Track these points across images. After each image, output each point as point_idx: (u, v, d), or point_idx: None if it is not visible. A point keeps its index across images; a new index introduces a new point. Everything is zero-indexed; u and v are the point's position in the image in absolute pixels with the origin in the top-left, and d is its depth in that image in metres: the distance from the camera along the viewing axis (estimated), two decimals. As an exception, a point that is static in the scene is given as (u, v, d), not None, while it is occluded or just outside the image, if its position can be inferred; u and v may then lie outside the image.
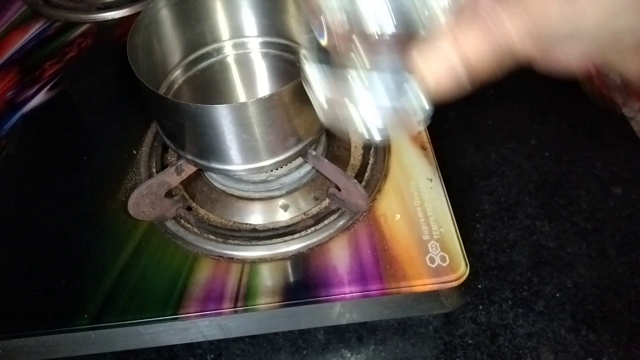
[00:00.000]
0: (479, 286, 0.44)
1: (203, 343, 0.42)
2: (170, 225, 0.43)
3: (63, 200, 0.48)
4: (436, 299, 0.41)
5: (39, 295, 0.41)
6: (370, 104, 0.27)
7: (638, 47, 0.20)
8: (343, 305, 0.40)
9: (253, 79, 0.49)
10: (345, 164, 0.47)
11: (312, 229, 0.42)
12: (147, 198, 0.41)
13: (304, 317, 0.41)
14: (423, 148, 0.48)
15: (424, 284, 0.39)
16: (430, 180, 0.45)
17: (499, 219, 0.48)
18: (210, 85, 0.47)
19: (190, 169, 0.43)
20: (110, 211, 0.45)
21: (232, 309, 0.39)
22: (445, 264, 0.40)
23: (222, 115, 0.35)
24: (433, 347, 0.41)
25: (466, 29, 0.22)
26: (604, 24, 0.19)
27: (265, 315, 0.40)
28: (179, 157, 0.44)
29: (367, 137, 0.28)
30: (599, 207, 0.48)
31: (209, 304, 0.39)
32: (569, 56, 0.22)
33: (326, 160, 0.42)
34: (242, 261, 0.42)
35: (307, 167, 0.44)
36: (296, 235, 0.42)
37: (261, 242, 0.42)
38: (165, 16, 0.42)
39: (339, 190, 0.42)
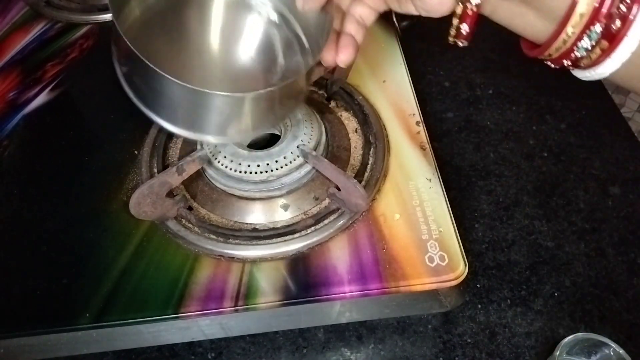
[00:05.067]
0: (478, 285, 0.44)
1: (204, 342, 0.42)
2: (172, 224, 0.44)
3: (64, 200, 0.48)
4: (435, 298, 0.41)
5: (40, 295, 0.42)
6: None
7: None
8: (343, 304, 0.40)
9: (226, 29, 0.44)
10: (345, 164, 0.47)
11: (312, 228, 0.43)
12: (148, 198, 0.41)
13: (304, 316, 0.41)
14: (422, 148, 0.48)
15: (423, 283, 0.40)
16: (429, 180, 0.45)
17: (497, 218, 0.48)
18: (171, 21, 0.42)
19: (191, 169, 0.43)
20: (112, 211, 0.46)
21: (233, 308, 0.39)
22: (444, 264, 0.40)
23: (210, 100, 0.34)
24: (432, 346, 0.41)
25: None
26: None
27: (266, 314, 0.40)
28: (180, 157, 0.44)
29: None
30: (597, 207, 0.48)
31: (209, 303, 0.39)
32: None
33: (326, 160, 0.42)
34: (243, 260, 0.42)
35: (307, 167, 0.45)
36: (296, 235, 0.42)
37: (261, 242, 0.42)
38: None
39: (339, 190, 0.42)
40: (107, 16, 0.65)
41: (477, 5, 0.34)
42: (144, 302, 0.40)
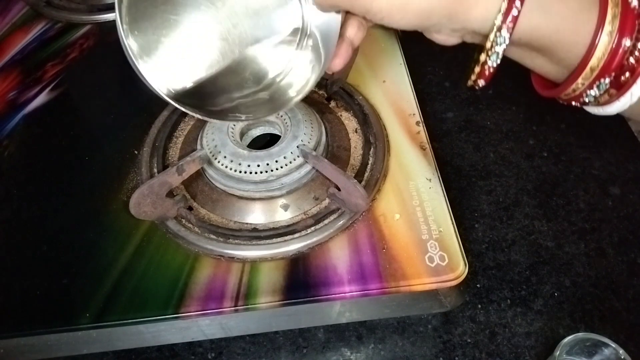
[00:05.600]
0: (478, 285, 0.44)
1: (204, 342, 0.42)
2: (172, 225, 0.44)
3: (65, 200, 0.48)
4: (435, 298, 0.41)
5: (40, 295, 0.42)
6: None
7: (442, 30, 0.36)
8: (343, 304, 0.40)
9: None
10: (345, 164, 0.47)
11: (312, 228, 0.43)
12: (148, 198, 0.41)
13: (304, 316, 0.41)
14: (422, 148, 0.48)
15: (423, 283, 0.40)
16: (430, 180, 0.45)
17: (497, 218, 0.48)
18: None
19: (191, 169, 0.43)
20: (112, 211, 0.46)
21: (233, 308, 0.39)
22: (444, 264, 0.40)
23: None
24: (432, 346, 0.41)
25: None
26: (423, 23, 0.35)
27: (266, 314, 0.40)
28: (180, 157, 0.44)
29: None
30: (597, 207, 0.48)
31: (209, 303, 0.39)
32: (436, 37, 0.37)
33: (326, 160, 0.42)
34: (243, 260, 0.42)
35: (307, 167, 0.45)
36: (296, 235, 0.42)
37: (262, 242, 0.42)
38: None
39: (339, 190, 0.42)
40: (107, 16, 0.65)
41: (495, 68, 0.35)
42: (144, 302, 0.40)
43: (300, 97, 0.40)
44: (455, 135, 0.54)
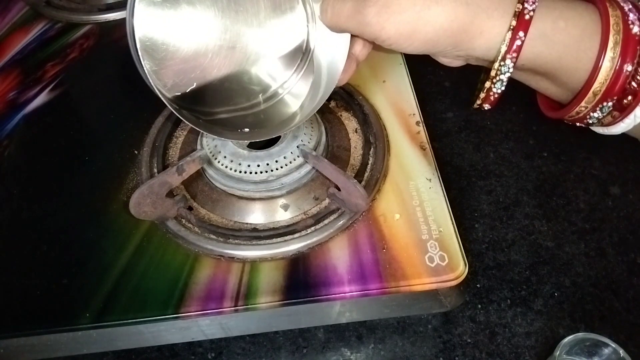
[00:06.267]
0: (478, 285, 0.44)
1: (204, 342, 0.42)
2: (172, 224, 0.44)
3: (64, 200, 0.48)
4: (435, 298, 0.41)
5: (40, 295, 0.42)
6: None
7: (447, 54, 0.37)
8: (343, 304, 0.40)
9: None
10: (345, 164, 0.47)
11: (312, 228, 0.43)
12: (148, 198, 0.41)
13: (304, 316, 0.41)
14: (422, 148, 0.48)
15: (423, 283, 0.40)
16: (430, 180, 0.45)
17: (497, 218, 0.48)
18: None
19: (191, 169, 0.43)
20: (112, 211, 0.46)
21: (233, 308, 0.39)
22: (444, 264, 0.40)
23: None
24: (432, 346, 0.41)
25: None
26: (429, 50, 0.37)
27: (266, 314, 0.40)
28: (180, 157, 0.44)
29: None
30: (597, 207, 0.48)
31: (209, 303, 0.39)
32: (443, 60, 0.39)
33: (326, 160, 0.42)
34: (243, 260, 0.42)
35: (307, 167, 0.45)
36: (296, 235, 0.42)
37: (262, 242, 0.42)
38: None
39: (339, 190, 0.42)
40: (107, 16, 0.65)
41: (499, 94, 0.36)
42: (144, 302, 0.40)
43: (303, 118, 0.41)
44: (455, 135, 0.54)
